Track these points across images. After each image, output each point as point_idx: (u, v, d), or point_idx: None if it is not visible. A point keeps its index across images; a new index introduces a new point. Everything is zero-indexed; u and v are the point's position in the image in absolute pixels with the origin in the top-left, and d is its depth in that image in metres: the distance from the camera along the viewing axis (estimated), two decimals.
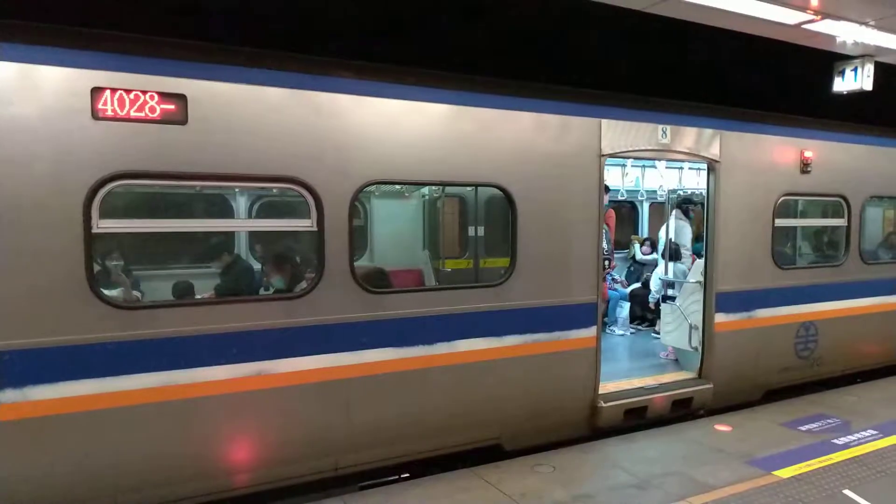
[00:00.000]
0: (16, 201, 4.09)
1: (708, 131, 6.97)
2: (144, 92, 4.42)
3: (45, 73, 4.17)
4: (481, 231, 9.56)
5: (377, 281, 5.79)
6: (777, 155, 7.52)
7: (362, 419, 5.21)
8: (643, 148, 6.61)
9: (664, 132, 6.71)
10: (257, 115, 4.79)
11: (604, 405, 6.35)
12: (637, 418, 6.57)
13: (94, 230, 4.32)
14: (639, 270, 11.13)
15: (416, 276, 8.62)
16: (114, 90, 4.34)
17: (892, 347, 8.97)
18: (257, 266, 7.34)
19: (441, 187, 8.79)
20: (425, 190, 9.27)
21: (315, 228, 5.03)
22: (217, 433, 4.73)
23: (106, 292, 4.66)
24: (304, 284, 5.42)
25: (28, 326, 4.15)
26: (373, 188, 5.26)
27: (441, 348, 5.52)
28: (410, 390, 5.40)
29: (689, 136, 6.86)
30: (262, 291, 6.46)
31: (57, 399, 4.23)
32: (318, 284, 5.04)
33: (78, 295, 4.27)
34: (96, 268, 4.49)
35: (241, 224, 7.78)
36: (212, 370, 4.68)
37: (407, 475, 5.61)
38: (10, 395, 4.12)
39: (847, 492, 4.96)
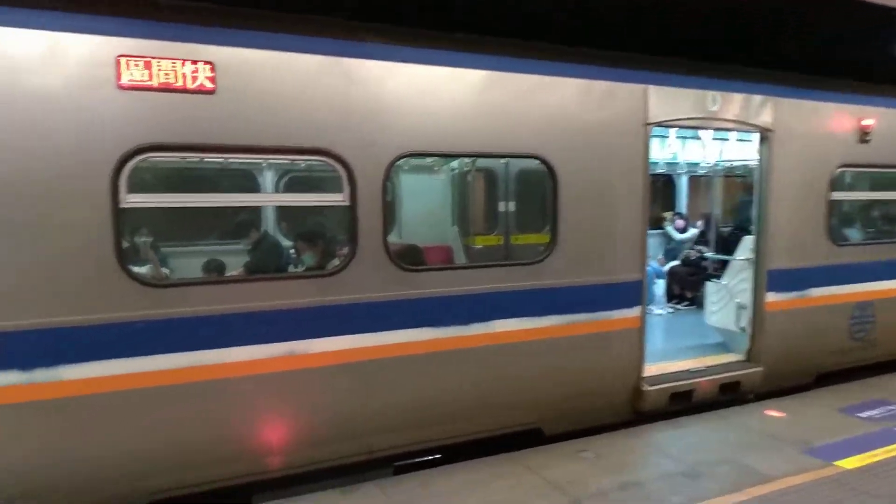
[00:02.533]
0: (42, 175, 3.92)
1: (760, 98, 6.53)
2: (171, 60, 4.19)
3: (69, 40, 3.96)
4: (512, 206, 9.32)
5: (411, 258, 5.54)
6: (834, 123, 7.05)
7: (396, 401, 5.01)
8: (691, 116, 6.21)
9: (714, 99, 6.30)
10: (287, 84, 4.54)
11: (648, 388, 6.06)
12: (683, 402, 6.28)
13: (122, 205, 4.13)
14: (678, 247, 10.74)
15: (445, 252, 8.40)
16: (139, 58, 4.12)
17: None
18: (285, 243, 7.19)
19: (471, 160, 8.52)
20: (454, 163, 9.00)
21: (348, 203, 4.79)
22: (247, 415, 4.56)
23: (135, 269, 4.50)
24: (335, 262, 5.21)
25: (56, 304, 4.00)
26: (401, 162, 4.97)
27: (477, 328, 5.27)
28: (446, 372, 5.17)
29: (740, 104, 6.43)
30: (291, 269, 6.29)
31: (87, 379, 4.09)
32: (351, 262, 4.81)
33: (107, 272, 4.10)
34: (124, 244, 4.30)
35: (273, 198, 7.58)
36: (242, 350, 4.50)
37: (440, 457, 5.42)
38: (41, 374, 3.99)
39: None
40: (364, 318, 4.86)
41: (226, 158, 6.10)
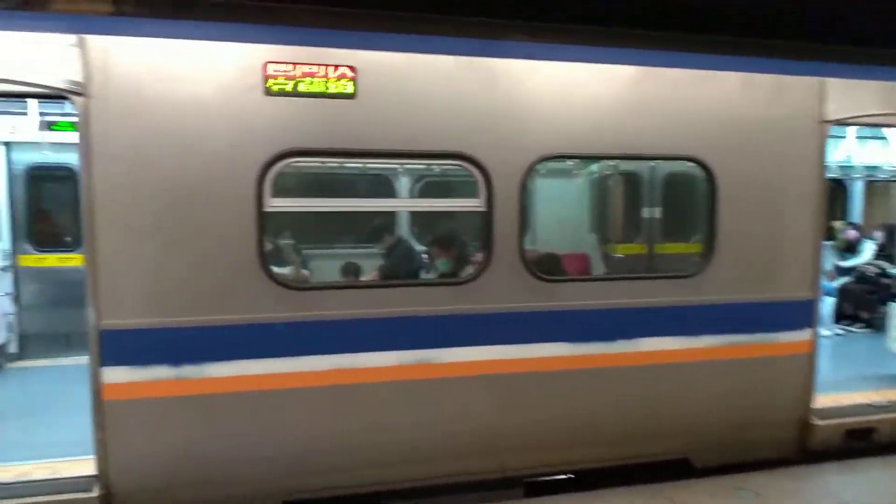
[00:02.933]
0: (195, 179, 4.09)
1: None
2: (315, 65, 4.23)
3: (220, 49, 4.11)
4: (657, 213, 8.70)
5: (549, 267, 5.24)
6: None
7: (532, 419, 4.72)
8: (878, 112, 5.37)
9: None
10: (426, 86, 4.43)
11: (819, 423, 5.29)
12: (860, 441, 5.42)
13: (266, 208, 4.22)
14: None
15: (582, 261, 7.96)
16: (285, 64, 4.19)
17: None
18: (419, 248, 7.16)
19: (613, 163, 8.04)
20: (594, 166, 8.55)
21: (484, 208, 4.59)
22: (379, 421, 4.50)
23: (276, 270, 4.60)
24: (469, 269, 5.03)
25: (203, 303, 4.15)
26: (539, 165, 4.68)
27: (621, 346, 4.85)
28: (585, 391, 4.81)
29: None
30: (424, 275, 6.22)
31: (229, 377, 4.22)
32: (486, 269, 4.61)
33: (250, 274, 4.21)
34: (267, 247, 4.40)
35: (410, 204, 7.59)
36: (375, 356, 4.44)
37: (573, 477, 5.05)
38: (189, 370, 4.16)
39: None
40: (498, 330, 4.63)
41: (364, 163, 6.16)
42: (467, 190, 4.70)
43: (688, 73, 4.90)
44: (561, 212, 8.30)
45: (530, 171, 4.68)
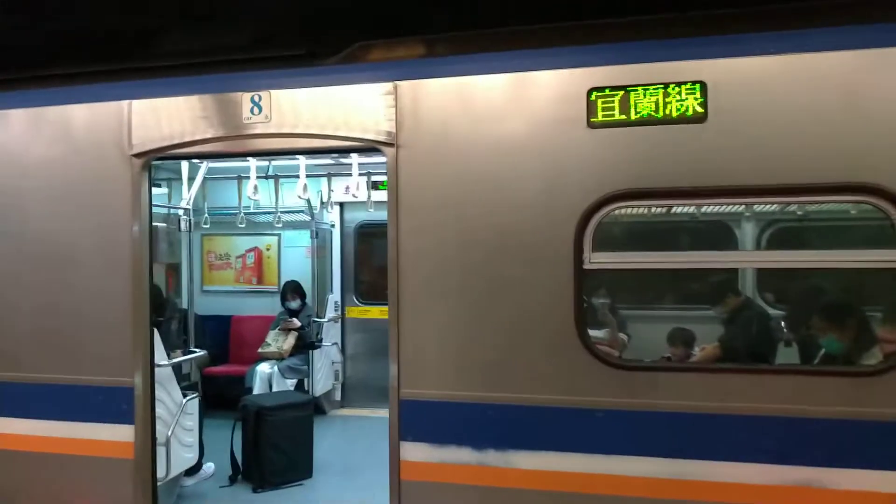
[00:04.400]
0: (503, 231, 3.50)
1: None
2: (651, 85, 3.34)
3: (537, 78, 3.50)
4: None
5: None
6: None
7: None
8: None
9: None
10: (806, 96, 3.20)
11: None
12: None
13: (586, 265, 3.42)
14: None
15: None
16: (615, 89, 3.39)
17: None
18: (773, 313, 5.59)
19: None
20: None
21: None
22: None
23: (597, 340, 3.74)
24: (875, 353, 3.49)
25: (510, 377, 3.48)
26: None
27: None
28: None
29: None
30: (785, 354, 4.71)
31: (536, 472, 3.43)
32: None
33: (565, 346, 3.41)
34: (587, 313, 3.58)
35: (802, 259, 5.35)
36: (733, 468, 3.22)
37: None
38: (493, 457, 3.50)
39: None
40: None
41: (703, 206, 4.97)
42: (865, 236, 3.26)
43: None
44: None
45: None
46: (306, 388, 6.95)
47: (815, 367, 3.85)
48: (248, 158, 5.83)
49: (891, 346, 3.56)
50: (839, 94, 3.16)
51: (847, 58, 3.16)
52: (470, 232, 3.53)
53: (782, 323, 5.21)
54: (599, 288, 5.98)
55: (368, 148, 3.74)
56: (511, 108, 3.51)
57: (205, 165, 6.13)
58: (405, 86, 3.61)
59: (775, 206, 5.57)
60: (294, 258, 7.94)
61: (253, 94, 3.74)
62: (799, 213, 5.65)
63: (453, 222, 3.54)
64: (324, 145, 3.77)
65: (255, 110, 3.75)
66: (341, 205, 7.82)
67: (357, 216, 7.88)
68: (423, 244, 3.57)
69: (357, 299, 7.91)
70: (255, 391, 6.59)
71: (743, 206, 5.86)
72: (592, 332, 4.53)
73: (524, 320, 3.46)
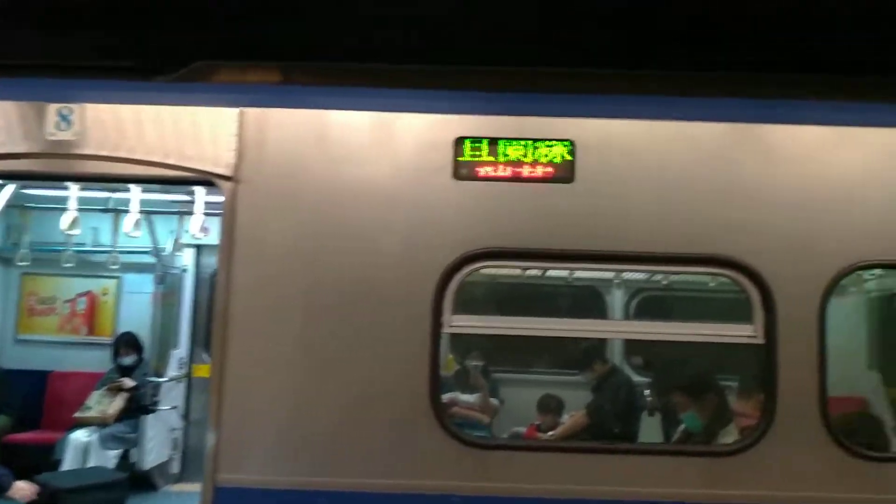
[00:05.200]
0: (356, 285, 3.11)
1: None
2: (522, 140, 3.17)
3: (404, 122, 3.21)
4: None
5: (867, 434, 3.39)
6: None
7: None
8: None
9: None
10: (675, 165, 3.15)
11: None
12: None
13: (446, 329, 3.09)
14: None
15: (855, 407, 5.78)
16: (479, 140, 3.18)
17: None
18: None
19: None
20: (871, 283, 6.43)
21: (762, 340, 3.05)
22: None
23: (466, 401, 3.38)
24: (732, 430, 3.41)
25: (354, 458, 3.02)
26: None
27: None
28: None
29: None
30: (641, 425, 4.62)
31: None
32: (767, 433, 2.98)
33: (419, 423, 3.02)
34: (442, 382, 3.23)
35: (657, 330, 5.34)
36: None
37: None
38: None
39: None
40: None
41: (571, 271, 4.89)
42: (714, 310, 3.23)
43: None
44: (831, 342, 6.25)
45: (833, 287, 3.08)
46: (133, 461, 5.96)
47: (674, 446, 3.74)
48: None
49: (748, 422, 3.50)
50: (705, 165, 3.15)
51: (716, 129, 3.16)
52: (318, 286, 3.10)
53: (646, 392, 5.17)
54: (472, 350, 5.72)
55: (202, 181, 3.24)
56: (374, 152, 3.19)
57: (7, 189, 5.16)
58: (252, 114, 3.19)
59: (644, 274, 5.64)
60: (137, 306, 6.96)
61: (61, 105, 3.15)
62: (664, 282, 5.75)
63: (298, 274, 3.11)
64: (149, 173, 3.21)
65: (63, 125, 3.15)
66: (198, 247, 7.05)
67: (214, 261, 7.13)
68: (259, 298, 3.09)
69: (208, 356, 7.06)
70: (66, 465, 5.52)
71: (613, 274, 5.90)
72: (464, 397, 4.19)
73: (374, 391, 3.04)
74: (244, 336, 3.06)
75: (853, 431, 3.13)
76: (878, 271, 5.18)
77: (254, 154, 3.14)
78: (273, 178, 3.14)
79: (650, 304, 6.37)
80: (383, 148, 3.18)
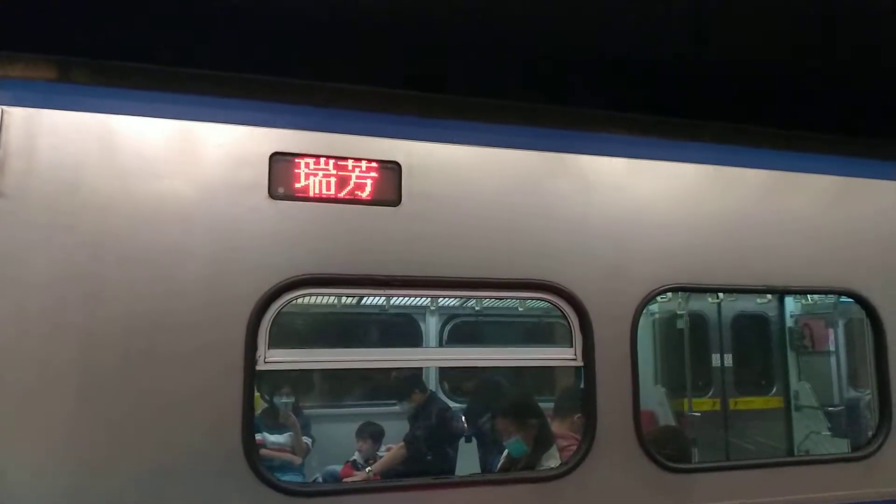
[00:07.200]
0: (163, 321, 2.63)
1: None
2: (342, 159, 2.95)
3: (211, 133, 2.82)
4: (728, 360, 7.37)
5: (674, 448, 3.63)
6: None
7: None
8: None
9: None
10: (499, 191, 3.15)
11: None
12: None
13: (260, 365, 2.73)
14: None
15: (649, 421, 6.37)
16: (300, 157, 2.90)
17: None
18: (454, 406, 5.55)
19: (683, 300, 6.72)
20: (654, 306, 7.19)
21: (580, 363, 3.14)
22: None
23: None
24: (553, 453, 3.46)
25: None
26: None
27: None
28: None
29: None
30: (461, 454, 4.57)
31: None
32: (589, 454, 3.05)
33: (229, 473, 2.61)
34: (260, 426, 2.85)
35: (489, 356, 5.04)
36: None
37: None
38: None
39: None
40: None
41: (393, 297, 4.73)
42: (542, 335, 3.27)
43: (839, 182, 3.71)
44: None
45: (643, 309, 3.30)
46: None
47: (499, 475, 3.69)
48: None
49: (565, 444, 3.58)
50: (527, 192, 3.19)
51: (538, 158, 3.22)
52: (103, 320, 2.57)
53: (464, 419, 5.15)
54: (281, 386, 5.28)
55: None
56: (174, 165, 2.76)
57: None
58: (18, 114, 2.59)
59: (458, 300, 5.68)
60: None
61: None
62: (477, 308, 5.84)
63: (76, 305, 2.54)
64: None
65: None
66: None
67: None
68: (18, 337, 2.47)
69: None
70: None
71: (429, 300, 5.86)
72: (273, 438, 3.83)
73: (175, 441, 2.57)
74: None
75: (661, 445, 3.33)
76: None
77: (19, 164, 2.54)
78: (44, 192, 2.56)
79: (470, 329, 6.46)
80: (186, 161, 2.76)
